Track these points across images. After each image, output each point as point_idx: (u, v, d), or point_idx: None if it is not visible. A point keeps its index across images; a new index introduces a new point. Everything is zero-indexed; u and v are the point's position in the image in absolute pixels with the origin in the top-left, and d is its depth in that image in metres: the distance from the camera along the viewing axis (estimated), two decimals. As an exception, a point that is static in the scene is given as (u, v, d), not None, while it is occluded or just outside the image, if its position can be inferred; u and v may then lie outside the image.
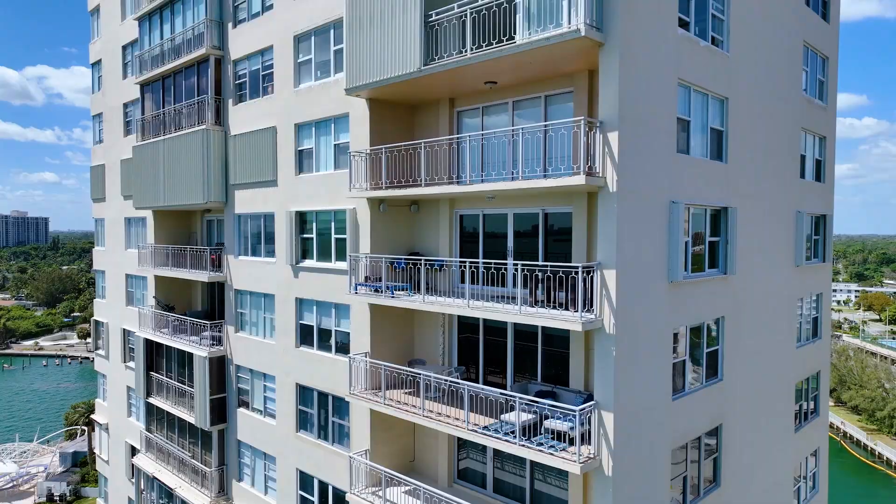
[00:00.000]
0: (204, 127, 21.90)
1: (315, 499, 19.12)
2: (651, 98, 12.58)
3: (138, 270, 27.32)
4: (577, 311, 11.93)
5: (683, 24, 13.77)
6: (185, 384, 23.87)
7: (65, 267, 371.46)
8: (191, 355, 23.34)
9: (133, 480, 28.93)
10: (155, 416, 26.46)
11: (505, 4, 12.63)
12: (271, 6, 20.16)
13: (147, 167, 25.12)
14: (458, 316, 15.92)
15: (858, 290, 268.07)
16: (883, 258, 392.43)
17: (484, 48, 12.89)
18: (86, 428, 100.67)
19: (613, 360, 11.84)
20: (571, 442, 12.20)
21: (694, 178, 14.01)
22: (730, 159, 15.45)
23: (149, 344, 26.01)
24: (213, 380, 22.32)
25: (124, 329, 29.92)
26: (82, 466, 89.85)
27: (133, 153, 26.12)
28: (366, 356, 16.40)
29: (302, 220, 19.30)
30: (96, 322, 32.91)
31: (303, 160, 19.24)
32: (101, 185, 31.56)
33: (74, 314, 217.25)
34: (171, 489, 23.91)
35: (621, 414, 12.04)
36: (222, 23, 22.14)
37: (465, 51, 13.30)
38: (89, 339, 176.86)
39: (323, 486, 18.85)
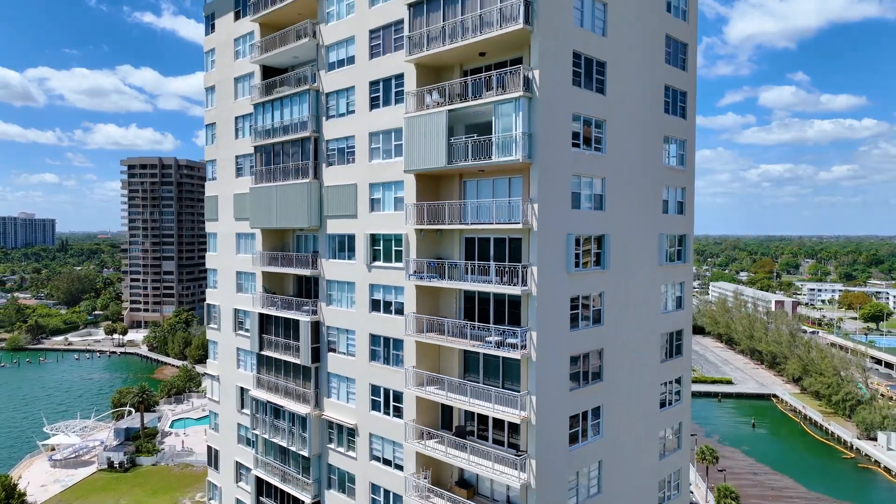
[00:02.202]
0: (307, 180, 36.38)
1: (381, 399, 33.55)
2: (556, 185, 26.99)
3: (250, 268, 41.78)
4: (519, 286, 26.35)
5: (576, 144, 28.20)
6: (289, 340, 38.25)
7: (78, 268, 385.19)
8: (294, 321, 37.73)
9: (244, 411, 43.35)
10: (264, 364, 40.85)
11: (487, 140, 27.05)
12: (353, 111, 34.61)
13: (262, 201, 39.53)
14: (464, 291, 30.27)
15: (843, 290, 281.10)
16: (873, 259, 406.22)
17: (477, 159, 27.31)
18: (132, 410, 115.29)
19: (536, 308, 26.24)
20: (517, 348, 26.55)
21: (582, 221, 28.42)
22: (606, 208, 29.87)
23: (260, 316, 40.35)
24: (312, 335, 36.74)
25: (235, 308, 44.32)
26: (135, 440, 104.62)
27: (250, 192, 40.52)
28: (414, 314, 30.81)
29: (373, 238, 33.74)
30: (209, 305, 47.31)
31: (374, 204, 33.68)
32: (215, 210, 46.01)
33: (96, 312, 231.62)
34: (281, 406, 38.34)
35: (540, 333, 26.43)
36: (318, 116, 36.59)
37: (468, 159, 27.72)
38: (115, 335, 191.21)
39: (386, 391, 33.28)
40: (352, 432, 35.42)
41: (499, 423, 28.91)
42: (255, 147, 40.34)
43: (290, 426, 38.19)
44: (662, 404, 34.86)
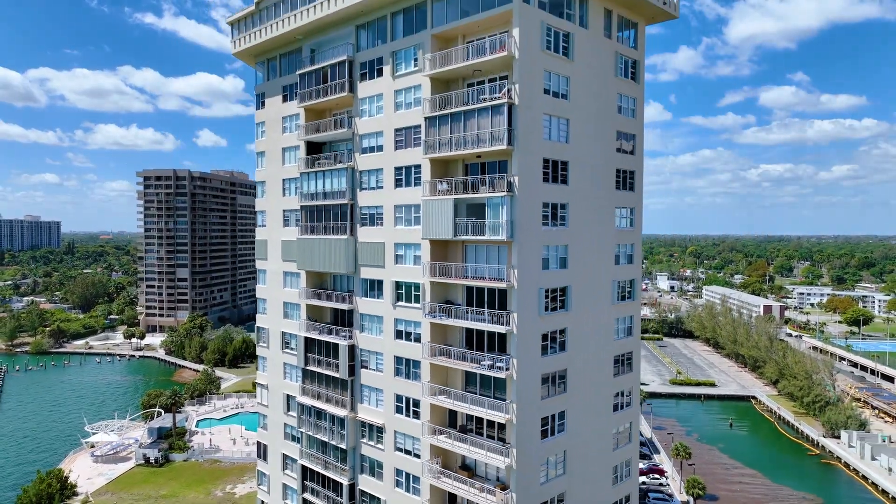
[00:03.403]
0: (345, 237, 47.97)
1: (403, 405, 45.13)
2: (531, 254, 38.56)
3: (296, 300, 53.36)
4: (504, 325, 37.95)
5: (545, 223, 39.74)
6: (329, 358, 49.77)
7: (87, 270, 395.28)
8: (335, 344, 49.28)
9: (290, 413, 54.91)
10: (308, 376, 52.39)
11: (481, 222, 38.59)
12: (382, 187, 46.16)
13: (307, 249, 51.05)
14: (465, 327, 41.77)
15: (830, 294, 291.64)
16: (864, 262, 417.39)
17: (474, 235, 38.87)
18: (161, 411, 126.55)
19: (516, 342, 37.85)
20: (503, 370, 38.08)
21: (550, 278, 39.98)
22: (569, 267, 41.42)
23: (306, 339, 51.86)
24: (348, 355, 48.30)
25: (283, 332, 55.86)
26: (166, 438, 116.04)
27: (298, 241, 52.05)
28: (428, 342, 42.37)
29: (398, 284, 45.32)
30: (259, 328, 58.88)
31: (398, 258, 45.26)
32: (265, 251, 57.60)
33: (112, 316, 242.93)
34: (323, 409, 49.92)
35: (519, 359, 38.03)
36: (354, 187, 48.15)
37: (468, 234, 39.29)
38: (133, 339, 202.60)
39: (407, 399, 44.89)
40: (380, 430, 47.02)
41: (490, 423, 40.49)
42: (302, 206, 51.86)
43: (331, 425, 49.79)
44: (616, 408, 46.44)
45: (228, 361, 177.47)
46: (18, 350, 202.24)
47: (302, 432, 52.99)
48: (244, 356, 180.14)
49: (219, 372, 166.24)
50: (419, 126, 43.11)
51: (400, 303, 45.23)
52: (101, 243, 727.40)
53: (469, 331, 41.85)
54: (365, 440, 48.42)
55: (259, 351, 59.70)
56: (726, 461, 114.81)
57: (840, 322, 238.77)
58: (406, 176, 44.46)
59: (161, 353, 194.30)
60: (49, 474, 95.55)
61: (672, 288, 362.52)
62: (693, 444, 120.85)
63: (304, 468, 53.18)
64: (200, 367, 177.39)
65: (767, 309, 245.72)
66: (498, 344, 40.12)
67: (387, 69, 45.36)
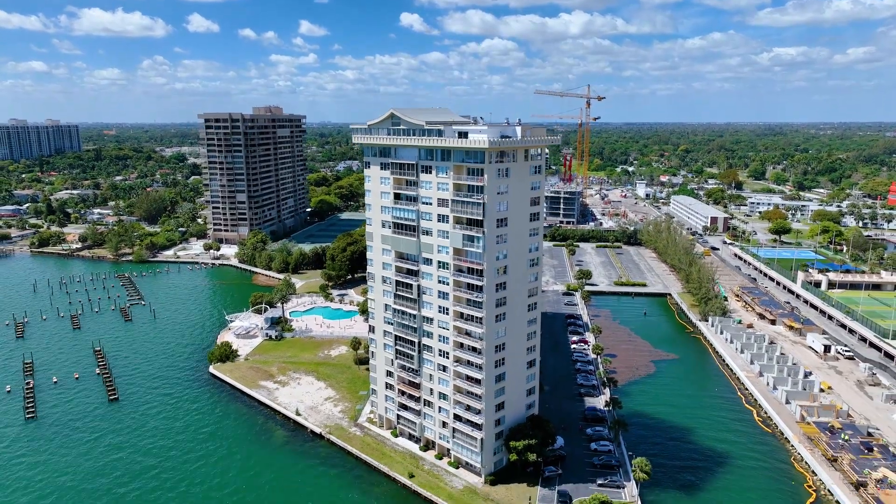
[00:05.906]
0: (415, 238, 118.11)
1: (441, 310, 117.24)
2: (491, 256, 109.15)
3: (389, 262, 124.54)
4: (482, 281, 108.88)
5: (498, 242, 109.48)
6: (409, 290, 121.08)
7: (118, 178, 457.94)
8: (410, 284, 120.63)
9: (387, 313, 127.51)
10: (399, 297, 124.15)
11: (472, 242, 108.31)
12: (431, 220, 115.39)
13: (396, 241, 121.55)
14: (467, 282, 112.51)
15: (775, 205, 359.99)
16: (827, 167, 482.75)
17: (470, 248, 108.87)
18: (268, 306, 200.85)
19: (486, 287, 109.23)
20: (481, 297, 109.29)
21: (500, 263, 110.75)
22: (508, 258, 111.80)
23: (396, 280, 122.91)
24: (417, 289, 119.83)
25: (382, 276, 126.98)
26: (276, 324, 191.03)
27: (392, 237, 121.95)
28: (453, 286, 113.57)
29: (439, 261, 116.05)
30: (369, 273, 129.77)
31: (439, 250, 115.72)
32: (371, 238, 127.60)
33: (181, 229, 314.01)
34: (405, 310, 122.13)
35: (486, 294, 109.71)
36: (418, 218, 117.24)
37: (468, 247, 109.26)
38: (211, 251, 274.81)
39: (444, 307, 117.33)
40: (431, 319, 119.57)
41: (477, 317, 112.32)
42: (393, 222, 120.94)
43: (409, 318, 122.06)
44: (528, 309, 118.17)
45: (291, 269, 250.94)
46: (122, 259, 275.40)
47: (394, 320, 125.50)
48: (302, 264, 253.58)
49: (295, 279, 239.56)
50: (448, 199, 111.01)
51: (440, 270, 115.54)
52: (116, 143, 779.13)
53: (469, 283, 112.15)
54: (425, 324, 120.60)
55: (369, 282, 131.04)
56: (630, 335, 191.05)
57: (769, 230, 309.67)
58: (442, 218, 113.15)
59: (235, 262, 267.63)
60: (222, 343, 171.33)
61: (647, 195, 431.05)
62: (613, 325, 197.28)
63: (395, 336, 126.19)
64: (269, 273, 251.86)
65: (713, 220, 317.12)
66: (479, 288, 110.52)
67: (433, 171, 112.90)
